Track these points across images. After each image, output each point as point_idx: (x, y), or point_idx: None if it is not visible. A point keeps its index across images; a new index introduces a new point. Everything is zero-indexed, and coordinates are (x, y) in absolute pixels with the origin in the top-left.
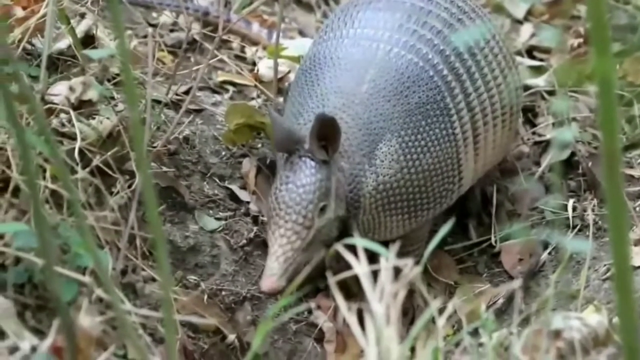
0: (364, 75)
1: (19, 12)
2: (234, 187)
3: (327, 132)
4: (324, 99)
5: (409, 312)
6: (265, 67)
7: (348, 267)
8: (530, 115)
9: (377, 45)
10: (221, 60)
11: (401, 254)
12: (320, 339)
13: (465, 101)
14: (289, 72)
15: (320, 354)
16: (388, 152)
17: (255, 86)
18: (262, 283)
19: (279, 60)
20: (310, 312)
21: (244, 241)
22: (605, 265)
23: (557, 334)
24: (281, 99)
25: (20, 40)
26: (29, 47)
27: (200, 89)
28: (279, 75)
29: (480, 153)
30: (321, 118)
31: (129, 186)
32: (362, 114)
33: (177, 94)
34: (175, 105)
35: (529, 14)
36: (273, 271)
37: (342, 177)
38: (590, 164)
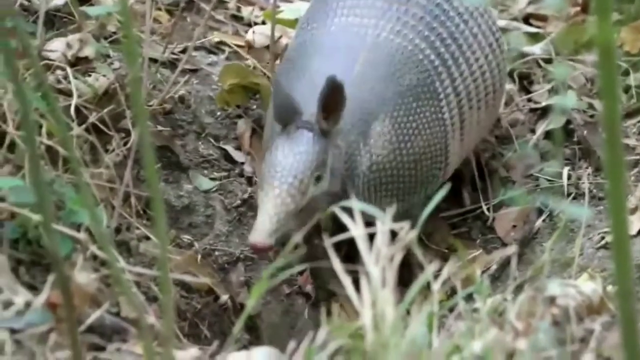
0: (354, 60)
1: None
2: (229, 148)
3: (334, 97)
4: (315, 83)
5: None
6: (257, 34)
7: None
8: (525, 82)
9: (365, 31)
10: (218, 20)
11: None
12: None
13: (452, 86)
14: (280, 37)
15: (312, 315)
16: (382, 132)
17: (248, 51)
18: (252, 237)
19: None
20: (301, 273)
21: (238, 202)
22: (599, 233)
23: (551, 301)
24: (277, 62)
25: None
26: (26, 3)
27: (197, 48)
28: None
29: (466, 138)
30: (331, 81)
31: (125, 144)
32: (356, 95)
33: (173, 54)
34: (172, 64)
35: None
36: (265, 226)
37: (338, 154)
38: (585, 132)
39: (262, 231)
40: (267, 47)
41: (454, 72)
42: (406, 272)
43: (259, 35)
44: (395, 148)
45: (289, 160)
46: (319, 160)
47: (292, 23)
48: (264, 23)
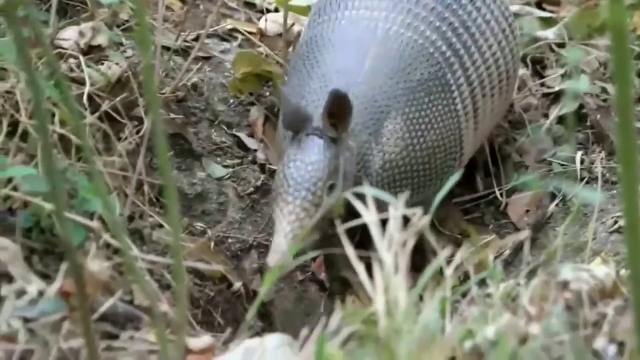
0: (365, 54)
1: None
2: (242, 135)
3: (339, 108)
4: (327, 79)
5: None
6: (270, 21)
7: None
8: (538, 67)
9: (376, 24)
10: (230, 8)
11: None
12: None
13: (465, 76)
14: (293, 24)
15: (329, 306)
16: (394, 130)
17: (261, 39)
18: (270, 259)
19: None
20: (314, 260)
21: (251, 189)
22: (612, 217)
23: (564, 285)
24: (290, 49)
25: None
26: None
27: (209, 36)
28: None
29: (480, 126)
30: (335, 93)
31: (137, 132)
32: (366, 93)
33: (186, 41)
34: (184, 52)
35: None
36: (282, 247)
37: (350, 156)
38: (598, 116)
39: (280, 252)
40: (280, 34)
41: (466, 61)
42: (419, 258)
43: (271, 22)
44: (407, 144)
45: (301, 172)
46: (331, 168)
47: (305, 10)
48: (276, 10)
